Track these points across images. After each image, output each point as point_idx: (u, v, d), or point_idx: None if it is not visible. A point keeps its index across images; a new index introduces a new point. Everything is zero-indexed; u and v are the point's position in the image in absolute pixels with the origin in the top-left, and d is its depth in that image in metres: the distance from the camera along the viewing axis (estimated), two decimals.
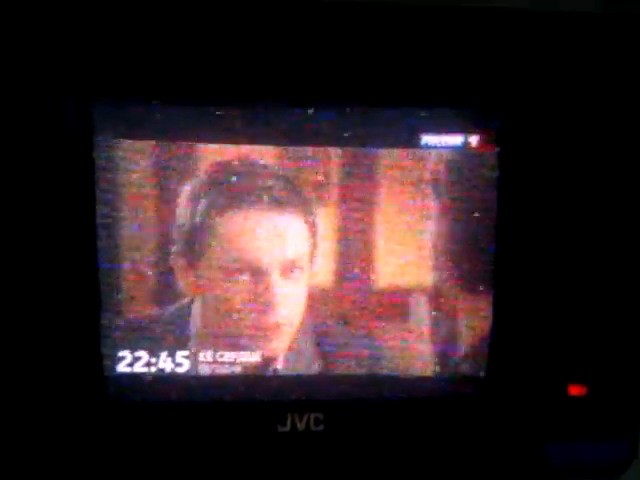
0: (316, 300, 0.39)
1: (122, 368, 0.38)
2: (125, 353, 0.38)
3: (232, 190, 0.37)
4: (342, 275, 0.38)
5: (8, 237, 0.35)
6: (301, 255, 0.38)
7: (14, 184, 0.35)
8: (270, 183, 0.37)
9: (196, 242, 0.37)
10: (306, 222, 0.38)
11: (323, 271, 0.38)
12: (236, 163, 0.37)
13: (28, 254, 0.35)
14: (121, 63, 0.35)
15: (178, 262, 0.37)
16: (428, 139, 0.38)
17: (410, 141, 0.38)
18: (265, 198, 0.37)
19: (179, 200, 0.37)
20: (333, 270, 0.38)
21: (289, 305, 0.38)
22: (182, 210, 0.37)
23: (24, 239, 0.35)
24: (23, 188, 0.35)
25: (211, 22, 0.35)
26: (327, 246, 0.38)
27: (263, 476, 0.38)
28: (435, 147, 0.38)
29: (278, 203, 0.38)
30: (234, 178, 0.37)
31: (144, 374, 0.38)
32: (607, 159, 0.38)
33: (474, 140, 0.38)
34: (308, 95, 0.36)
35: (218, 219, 0.37)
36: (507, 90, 0.37)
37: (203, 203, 0.37)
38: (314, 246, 0.38)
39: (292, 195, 0.38)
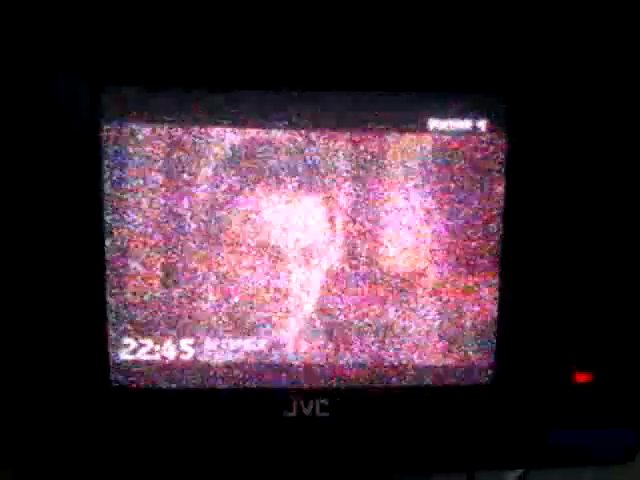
0: (328, 287, 0.38)
1: (126, 355, 0.38)
2: (129, 340, 0.38)
3: (252, 173, 0.37)
4: (353, 263, 0.38)
5: (15, 222, 0.35)
6: (318, 242, 0.38)
7: (21, 169, 0.34)
8: (289, 167, 0.37)
9: (210, 225, 0.37)
10: (326, 208, 0.38)
11: (336, 258, 0.38)
12: (252, 146, 0.37)
13: (34, 240, 0.35)
14: (130, 47, 0.34)
15: (189, 246, 0.37)
16: (436, 123, 0.37)
17: (418, 125, 0.37)
18: (285, 182, 0.37)
19: (193, 183, 0.37)
20: (345, 257, 0.38)
21: (302, 292, 0.38)
22: (196, 193, 0.37)
23: (30, 224, 0.35)
24: (30, 173, 0.35)
25: (220, 6, 0.34)
26: (342, 232, 0.38)
27: (269, 460, 0.39)
28: (443, 131, 0.37)
29: (299, 187, 0.37)
30: (253, 160, 0.37)
31: (148, 361, 0.38)
32: (617, 143, 0.37)
33: (483, 124, 0.38)
34: (317, 78, 0.36)
35: (234, 203, 0.37)
36: (516, 74, 0.36)
37: (220, 185, 0.37)
38: (332, 233, 0.38)
39: (312, 179, 0.37)
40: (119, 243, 0.37)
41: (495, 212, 0.38)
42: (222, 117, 0.36)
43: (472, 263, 0.39)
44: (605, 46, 0.36)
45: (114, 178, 0.36)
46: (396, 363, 0.39)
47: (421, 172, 0.38)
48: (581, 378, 0.39)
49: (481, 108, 0.37)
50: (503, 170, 0.38)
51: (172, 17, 0.34)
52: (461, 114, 0.37)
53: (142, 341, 0.38)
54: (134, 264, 0.37)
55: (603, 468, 0.40)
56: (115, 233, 0.36)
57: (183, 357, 0.38)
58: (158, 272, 0.37)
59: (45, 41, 0.34)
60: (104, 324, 0.37)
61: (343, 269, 0.38)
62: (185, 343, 0.38)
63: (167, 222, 0.37)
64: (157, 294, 0.37)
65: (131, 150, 0.36)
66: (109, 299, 0.37)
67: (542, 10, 0.36)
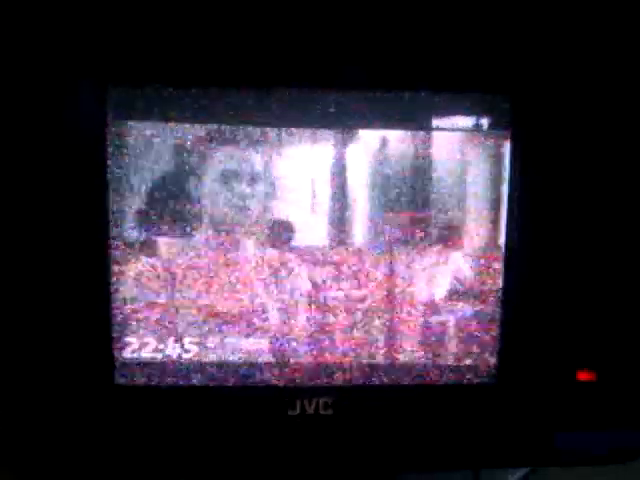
0: (330, 286, 0.39)
1: (129, 354, 0.38)
2: (133, 339, 0.38)
3: (257, 171, 0.37)
4: (356, 261, 0.38)
5: (20, 220, 0.35)
6: (319, 240, 0.38)
7: (28, 167, 0.35)
8: (293, 165, 0.37)
9: (214, 224, 0.37)
10: (325, 205, 0.38)
11: (337, 256, 0.38)
12: (256, 143, 0.37)
13: (40, 238, 0.35)
14: (135, 46, 0.35)
15: (193, 244, 0.37)
16: (439, 121, 0.37)
17: (421, 123, 0.37)
18: (287, 180, 0.37)
19: (198, 181, 0.37)
20: (347, 255, 0.38)
21: (305, 291, 0.39)
22: (201, 191, 0.37)
23: (35, 222, 0.35)
24: (37, 170, 0.35)
25: (224, 6, 0.34)
26: (343, 231, 0.38)
27: (273, 458, 0.39)
28: (447, 129, 0.37)
29: (300, 185, 0.38)
30: (257, 158, 0.37)
31: (152, 360, 0.38)
32: (621, 142, 0.37)
33: (486, 122, 0.38)
34: (320, 77, 0.36)
35: (238, 201, 0.37)
36: (520, 72, 0.36)
37: (225, 183, 0.37)
38: (332, 232, 0.38)
39: (313, 176, 0.38)
40: (123, 241, 0.37)
41: (498, 210, 0.38)
42: (225, 115, 0.36)
43: (475, 261, 0.38)
44: (610, 46, 0.36)
45: (119, 176, 0.36)
46: (399, 361, 0.39)
47: (424, 169, 0.38)
48: (584, 377, 0.39)
49: (485, 107, 0.37)
50: (506, 168, 0.38)
51: (177, 16, 0.34)
52: (465, 113, 0.37)
53: (145, 340, 0.38)
54: (138, 262, 0.37)
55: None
56: (120, 231, 0.37)
57: (186, 356, 0.38)
58: (162, 271, 0.37)
59: (51, 42, 0.34)
60: (108, 323, 0.37)
61: (345, 268, 0.38)
62: (188, 342, 0.38)
63: (171, 220, 0.37)
64: (160, 292, 0.37)
65: (136, 148, 0.36)
66: (113, 298, 0.37)
67: (547, 10, 0.36)
